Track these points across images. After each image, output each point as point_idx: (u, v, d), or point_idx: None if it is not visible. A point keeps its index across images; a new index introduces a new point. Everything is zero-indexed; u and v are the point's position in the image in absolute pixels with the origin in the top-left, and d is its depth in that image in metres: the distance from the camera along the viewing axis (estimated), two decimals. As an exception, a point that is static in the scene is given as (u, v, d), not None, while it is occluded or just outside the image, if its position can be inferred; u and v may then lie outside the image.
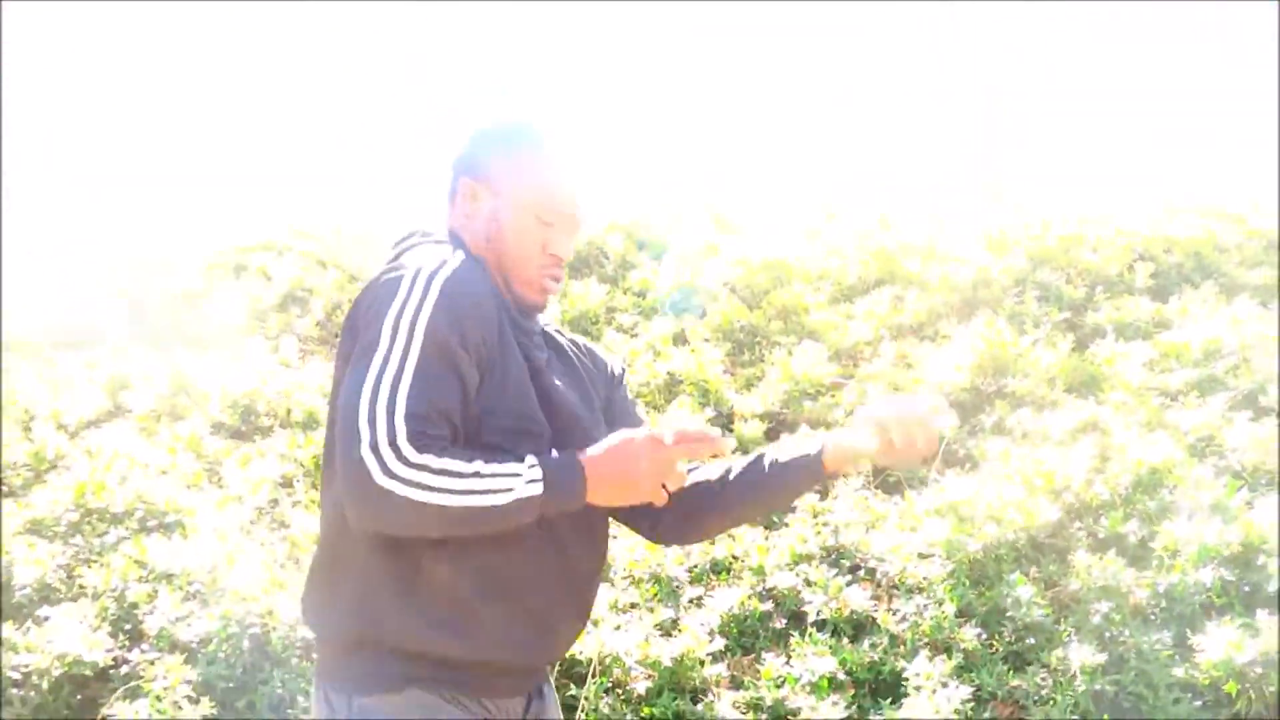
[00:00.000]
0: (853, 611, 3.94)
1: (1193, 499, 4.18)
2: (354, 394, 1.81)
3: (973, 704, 3.54)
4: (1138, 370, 5.21)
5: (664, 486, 1.87)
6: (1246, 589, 3.85)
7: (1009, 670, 3.68)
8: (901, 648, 3.78)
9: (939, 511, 4.32)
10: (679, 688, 3.68)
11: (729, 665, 3.84)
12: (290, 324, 6.97)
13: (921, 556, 4.13)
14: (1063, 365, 5.31)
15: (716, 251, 6.95)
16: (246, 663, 3.69)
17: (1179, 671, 3.55)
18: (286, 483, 4.92)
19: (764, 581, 4.13)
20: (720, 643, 3.82)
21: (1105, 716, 3.50)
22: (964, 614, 3.89)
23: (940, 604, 3.90)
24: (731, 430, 5.08)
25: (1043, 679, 3.59)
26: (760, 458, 2.13)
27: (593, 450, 1.87)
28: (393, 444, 1.76)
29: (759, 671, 3.73)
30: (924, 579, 4.04)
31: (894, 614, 3.93)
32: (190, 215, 9.49)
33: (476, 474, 1.79)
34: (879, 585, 4.15)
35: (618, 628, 3.85)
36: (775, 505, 2.26)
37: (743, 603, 4.02)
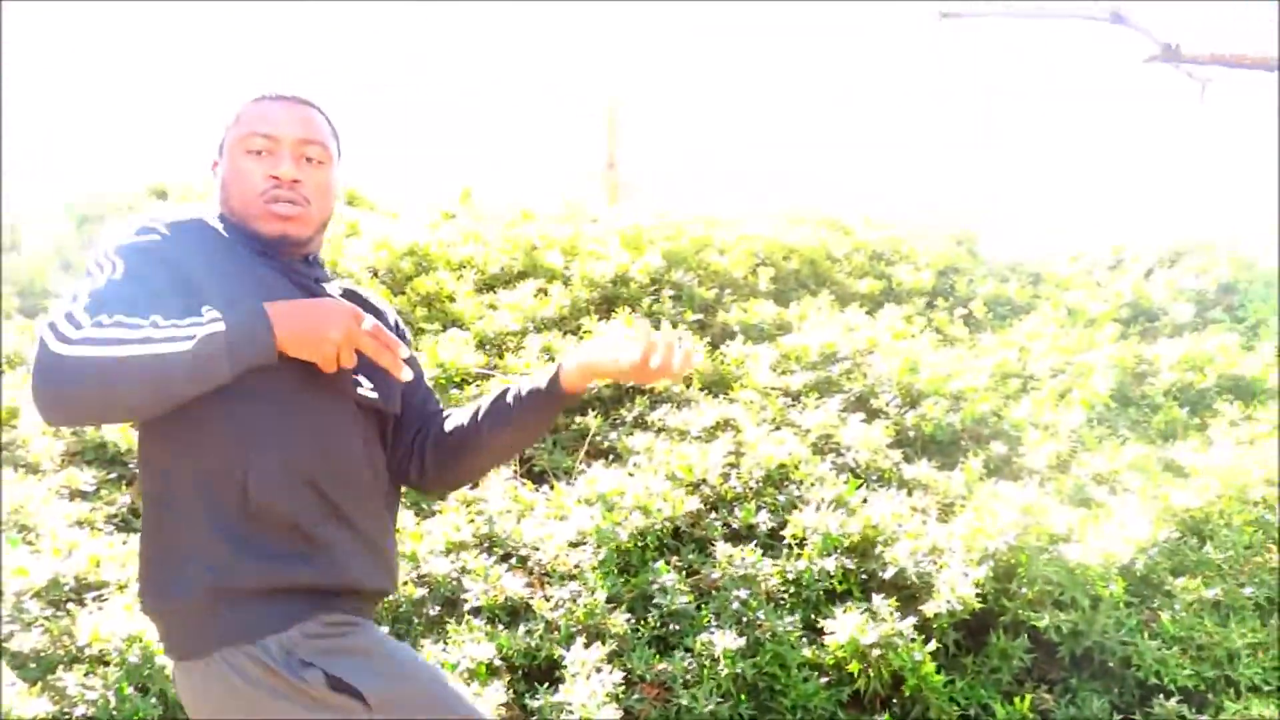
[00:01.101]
0: (508, 599, 4.12)
1: (817, 494, 4.66)
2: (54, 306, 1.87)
3: (624, 687, 3.81)
4: (765, 371, 5.69)
5: (338, 359, 1.93)
6: (864, 576, 4.35)
7: (656, 655, 3.97)
8: (556, 634, 4.00)
9: (588, 501, 4.57)
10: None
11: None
12: None
13: (573, 545, 4.37)
14: (698, 364, 5.73)
15: (357, 231, 6.95)
16: None
17: (808, 653, 3.97)
18: None
19: (418, 568, 4.23)
20: (383, 629, 3.88)
21: (743, 697, 3.87)
22: (614, 600, 4.14)
23: (592, 591, 4.13)
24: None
25: (689, 663, 3.89)
26: (505, 391, 2.23)
27: (280, 302, 1.93)
28: (69, 316, 1.81)
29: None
30: (575, 567, 4.28)
31: (548, 601, 4.14)
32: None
33: (154, 324, 1.81)
34: (532, 573, 4.35)
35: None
36: (525, 436, 2.26)
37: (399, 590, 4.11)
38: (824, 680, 3.91)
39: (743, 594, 4.11)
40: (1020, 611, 4.20)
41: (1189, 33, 4.63)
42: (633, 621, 4.07)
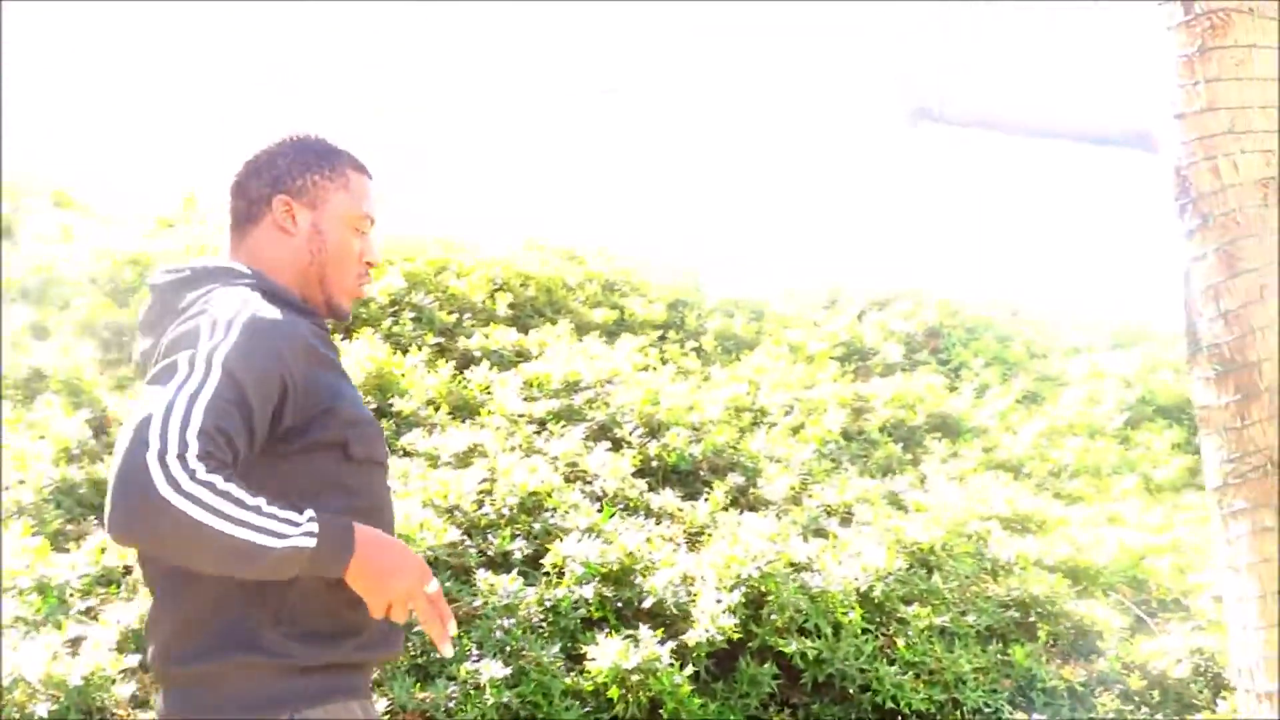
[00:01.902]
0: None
1: (572, 521, 4.80)
2: (145, 410, 1.79)
3: (387, 717, 3.82)
4: (512, 398, 5.80)
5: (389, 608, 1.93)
6: (619, 604, 4.51)
7: (417, 683, 4.00)
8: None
9: (345, 529, 4.54)
10: (86, 709, 3.58)
11: (139, 683, 3.78)
12: None
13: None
14: (444, 388, 5.77)
15: (70, 236, 6.61)
16: None
17: (569, 680, 4.10)
18: None
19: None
20: (136, 659, 3.75)
21: (506, 727, 3.96)
22: (375, 630, 4.15)
23: (350, 620, 4.12)
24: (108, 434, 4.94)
25: (452, 692, 3.95)
26: None
27: (369, 532, 1.91)
28: (181, 457, 1.74)
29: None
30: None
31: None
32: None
33: (258, 509, 1.78)
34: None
35: (15, 647, 3.64)
36: None
37: (143, 617, 3.96)
38: (585, 708, 4.04)
39: (506, 623, 4.19)
40: (768, 638, 4.46)
41: (951, 95, 5.02)
42: (394, 650, 4.08)
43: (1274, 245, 3.76)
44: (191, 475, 1.74)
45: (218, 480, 1.76)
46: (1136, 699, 4.65)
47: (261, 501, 1.80)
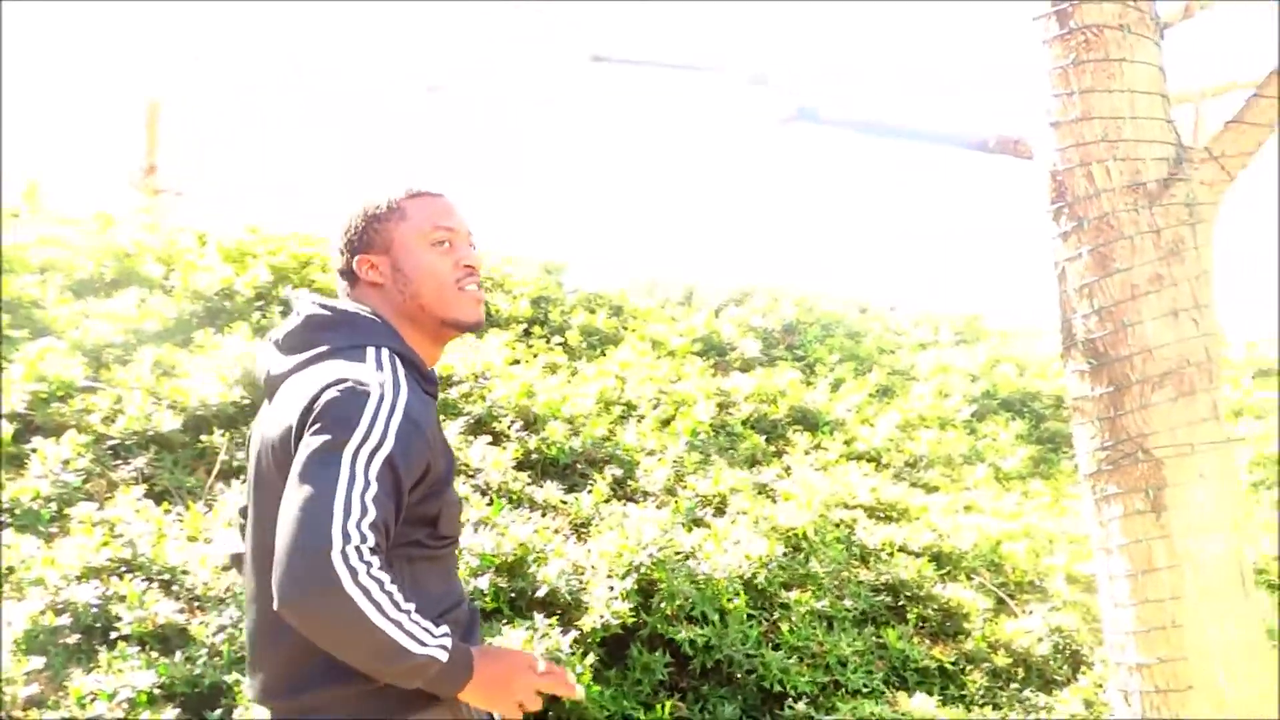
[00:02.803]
0: (162, 625, 4.03)
1: (464, 514, 4.86)
2: (317, 498, 2.03)
3: (296, 710, 3.84)
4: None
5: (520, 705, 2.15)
6: (513, 595, 4.61)
7: (319, 677, 4.02)
8: (219, 659, 3.96)
9: (232, 524, 4.53)
10: (-12, 712, 3.52)
11: (40, 685, 3.72)
12: None
13: (224, 569, 4.32)
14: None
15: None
16: None
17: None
18: None
19: (57, 595, 4.04)
20: (39, 661, 3.70)
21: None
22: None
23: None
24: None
25: (359, 682, 3.99)
26: None
27: (479, 650, 2.15)
28: (358, 549, 2.00)
29: (66, 690, 3.69)
30: (227, 590, 4.25)
31: (206, 626, 4.08)
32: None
33: (409, 613, 2.04)
34: (178, 598, 4.26)
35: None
36: None
37: (34, 619, 3.91)
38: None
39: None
40: (658, 626, 4.61)
41: (828, 97, 5.23)
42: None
43: (1145, 247, 4.06)
44: (368, 568, 2.00)
45: (386, 578, 2.02)
46: (1003, 676, 4.95)
47: (412, 607, 2.05)
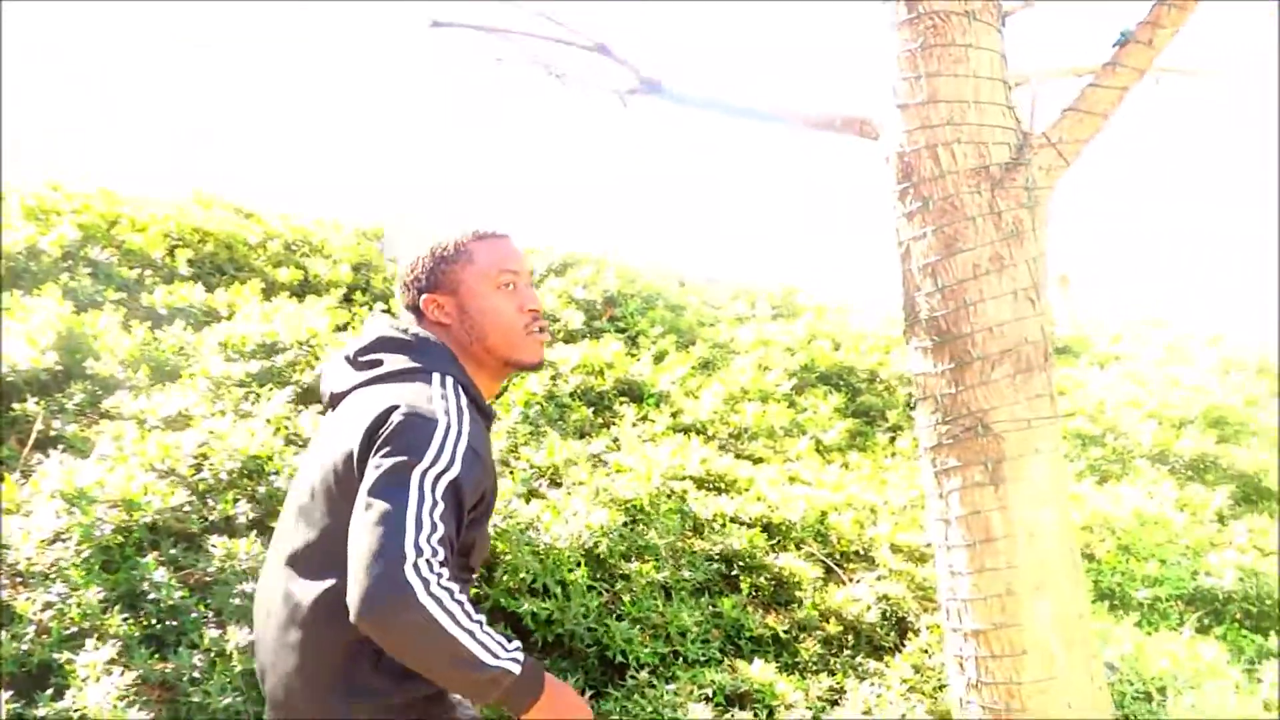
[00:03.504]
0: (-16, 602, 3.83)
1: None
2: (390, 515, 2.14)
3: (134, 688, 3.71)
4: (213, 360, 5.64)
5: None
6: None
7: (155, 654, 3.90)
8: (48, 637, 3.79)
9: (64, 496, 4.33)
10: None
11: None
12: None
13: (46, 543, 4.13)
14: (138, 350, 5.54)
15: None
16: None
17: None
18: None
19: None
20: None
21: (255, 691, 3.91)
22: (108, 600, 4.00)
23: (77, 590, 3.96)
24: None
25: (197, 660, 3.87)
26: None
27: (551, 677, 2.25)
28: (429, 561, 2.11)
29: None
30: (52, 566, 4.06)
31: (32, 603, 3.90)
32: None
33: (480, 623, 2.15)
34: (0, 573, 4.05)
35: None
36: None
37: None
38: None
39: (247, 587, 4.14)
40: (501, 599, 4.60)
41: (672, 71, 5.25)
42: (130, 620, 3.96)
43: (987, 229, 4.22)
44: (439, 579, 2.10)
45: (455, 588, 2.13)
46: (835, 643, 5.11)
47: (483, 620, 2.16)
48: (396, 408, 2.28)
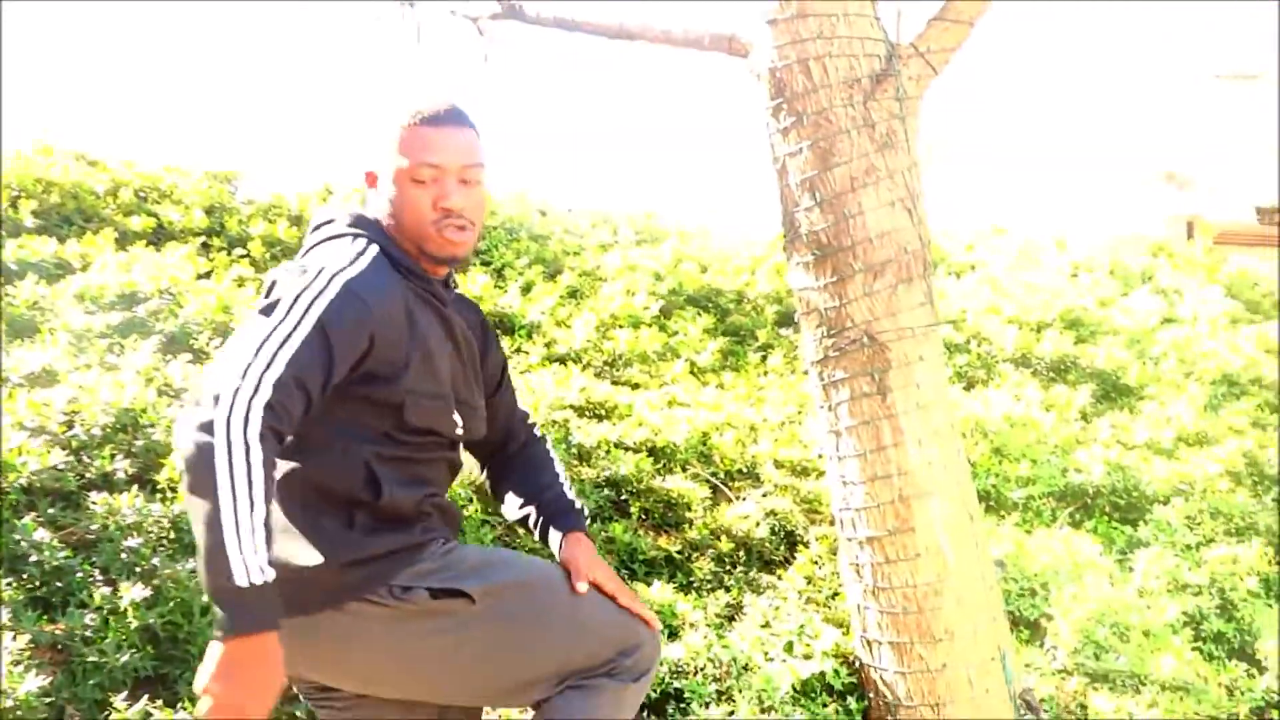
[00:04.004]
0: None
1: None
2: (239, 343, 2.17)
3: (26, 653, 3.60)
4: (74, 313, 5.45)
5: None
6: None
7: (40, 616, 3.77)
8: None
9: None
10: None
11: None
12: None
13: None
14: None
15: None
16: None
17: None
18: None
19: None
20: None
21: (149, 648, 3.83)
22: (-13, 564, 3.87)
23: (-46, 558, 3.82)
24: None
25: (90, 619, 3.77)
26: (542, 485, 2.86)
27: (265, 646, 2.06)
28: (250, 400, 2.06)
29: None
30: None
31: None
32: None
33: (262, 512, 2.03)
34: None
35: None
36: (510, 515, 2.91)
37: None
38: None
39: (133, 543, 4.03)
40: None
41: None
42: (13, 584, 3.83)
43: (861, 141, 4.27)
44: (247, 424, 2.04)
45: (265, 451, 2.06)
46: (727, 560, 5.18)
47: (269, 512, 2.06)
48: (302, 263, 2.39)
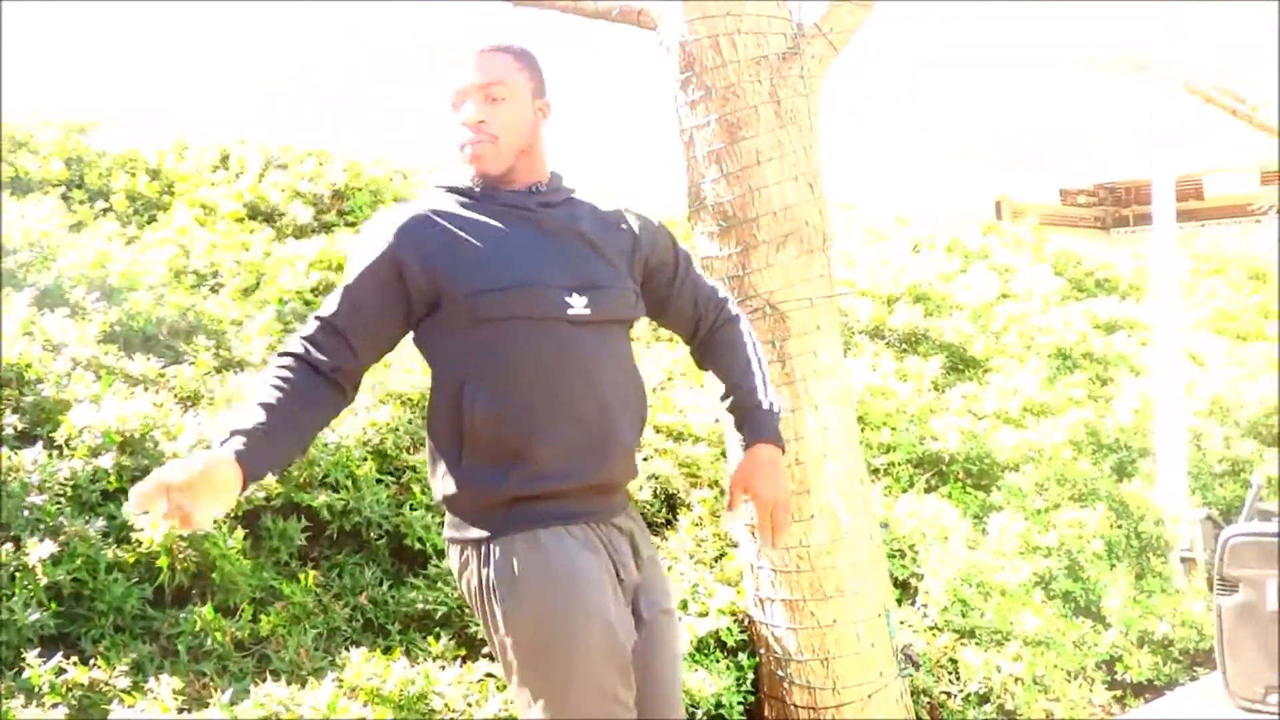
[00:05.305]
0: None
1: (71, 393, 4.54)
2: None
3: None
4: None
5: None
6: (137, 473, 4.38)
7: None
8: None
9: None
10: None
11: None
12: None
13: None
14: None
15: None
16: None
17: (118, 553, 3.99)
18: None
19: None
20: None
21: (55, 605, 3.78)
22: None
23: None
24: None
25: (-5, 577, 3.71)
26: (733, 381, 2.96)
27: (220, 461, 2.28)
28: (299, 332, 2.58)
29: None
30: None
31: None
32: None
33: (283, 392, 2.46)
34: None
35: None
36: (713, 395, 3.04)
37: None
38: (133, 579, 3.97)
39: (35, 499, 3.96)
40: (293, 495, 4.57)
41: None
42: (-89, 542, 3.74)
43: (767, 116, 4.42)
44: (287, 345, 2.59)
45: (288, 360, 2.53)
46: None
47: (269, 398, 2.42)
48: None
